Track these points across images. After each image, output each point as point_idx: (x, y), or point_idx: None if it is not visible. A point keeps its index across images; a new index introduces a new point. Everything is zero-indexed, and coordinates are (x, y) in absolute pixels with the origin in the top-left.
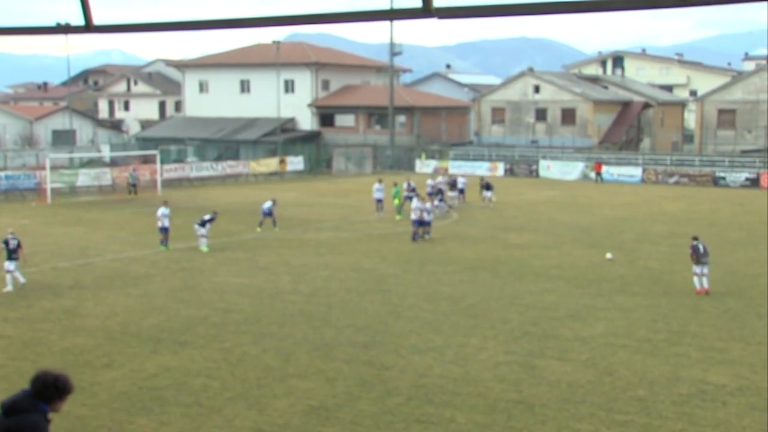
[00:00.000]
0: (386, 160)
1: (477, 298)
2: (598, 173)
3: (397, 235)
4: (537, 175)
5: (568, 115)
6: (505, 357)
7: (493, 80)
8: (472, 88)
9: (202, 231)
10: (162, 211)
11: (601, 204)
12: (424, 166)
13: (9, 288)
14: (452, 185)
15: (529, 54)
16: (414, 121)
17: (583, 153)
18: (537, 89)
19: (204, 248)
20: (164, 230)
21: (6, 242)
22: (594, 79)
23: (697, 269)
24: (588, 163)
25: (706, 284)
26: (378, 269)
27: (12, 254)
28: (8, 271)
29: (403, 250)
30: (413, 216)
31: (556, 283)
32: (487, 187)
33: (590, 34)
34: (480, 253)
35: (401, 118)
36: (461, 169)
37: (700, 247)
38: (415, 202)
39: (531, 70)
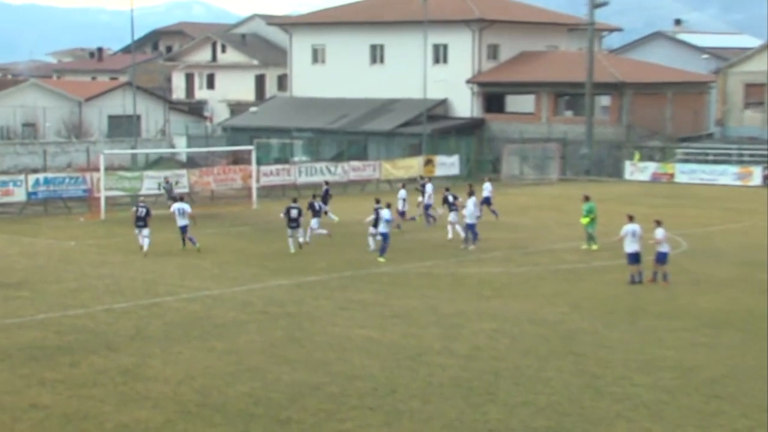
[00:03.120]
0: (581, 163)
1: (720, 369)
2: None
3: (596, 272)
4: None
5: None
6: None
7: (749, 41)
8: (715, 53)
9: (315, 225)
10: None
11: None
12: (638, 171)
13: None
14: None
15: None
16: (623, 105)
17: None
18: None
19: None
20: (181, 229)
21: (137, 210)
22: None
23: None
24: None
25: None
26: (567, 322)
27: (140, 222)
28: (144, 236)
29: (604, 295)
30: (629, 249)
31: None
32: None
33: None
34: (724, 302)
35: (604, 101)
36: (694, 175)
37: None
38: (629, 226)
39: None
